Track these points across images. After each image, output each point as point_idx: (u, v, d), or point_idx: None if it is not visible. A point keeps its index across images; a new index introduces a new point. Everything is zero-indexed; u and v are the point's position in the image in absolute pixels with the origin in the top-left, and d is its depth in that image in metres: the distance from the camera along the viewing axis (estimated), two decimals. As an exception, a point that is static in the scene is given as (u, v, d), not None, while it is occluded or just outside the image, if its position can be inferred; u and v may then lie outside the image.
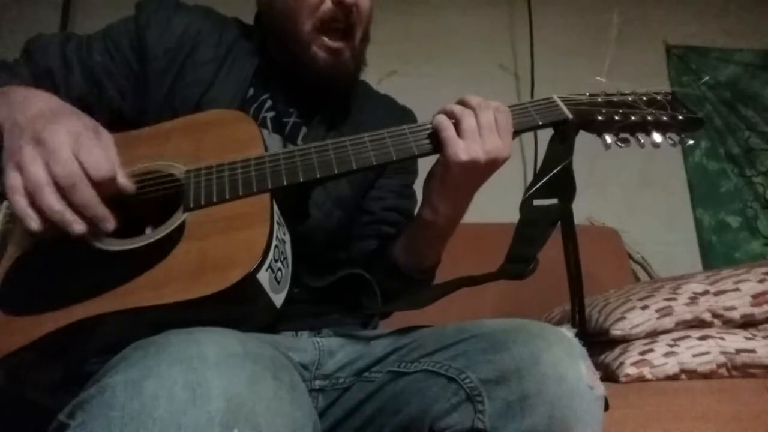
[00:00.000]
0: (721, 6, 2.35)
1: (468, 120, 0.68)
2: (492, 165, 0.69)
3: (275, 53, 0.85)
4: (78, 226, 0.57)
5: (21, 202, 0.56)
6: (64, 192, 0.56)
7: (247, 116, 0.75)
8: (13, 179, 0.56)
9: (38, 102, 0.63)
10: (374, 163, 0.69)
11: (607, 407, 0.57)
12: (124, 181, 0.61)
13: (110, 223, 0.59)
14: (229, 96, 0.80)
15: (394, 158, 0.69)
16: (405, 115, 0.99)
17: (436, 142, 0.70)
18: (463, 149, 0.67)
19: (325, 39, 0.80)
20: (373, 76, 1.01)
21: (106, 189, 0.59)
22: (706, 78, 2.18)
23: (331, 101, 0.86)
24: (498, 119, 0.69)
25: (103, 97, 0.79)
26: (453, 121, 0.69)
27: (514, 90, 2.16)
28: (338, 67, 0.82)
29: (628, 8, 2.28)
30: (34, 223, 0.56)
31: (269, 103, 0.83)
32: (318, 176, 0.67)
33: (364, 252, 0.88)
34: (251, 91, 0.83)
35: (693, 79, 2.24)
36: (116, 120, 0.81)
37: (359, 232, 0.90)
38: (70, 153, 0.57)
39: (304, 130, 0.84)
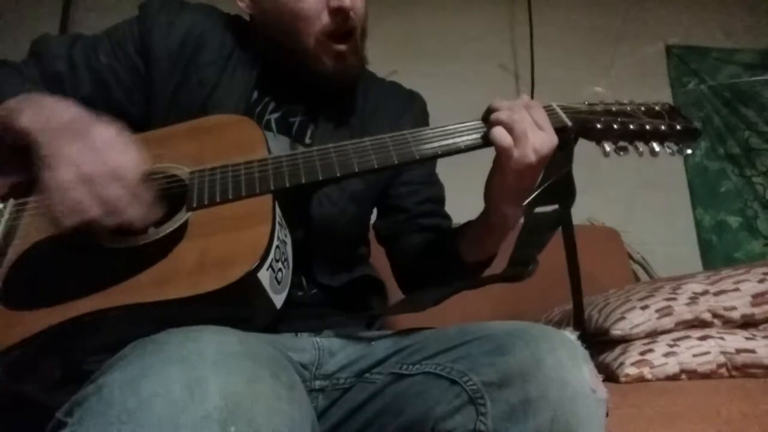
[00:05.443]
0: (721, 6, 2.35)
1: (519, 125, 0.68)
2: (545, 159, 0.69)
3: (275, 60, 0.84)
4: (133, 210, 0.59)
5: (83, 193, 0.57)
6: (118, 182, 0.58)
7: (250, 120, 0.75)
8: (68, 173, 0.57)
9: (67, 108, 0.64)
10: (375, 167, 0.69)
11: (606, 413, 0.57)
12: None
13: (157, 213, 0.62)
14: (235, 98, 0.80)
15: (396, 162, 0.69)
16: (413, 100, 0.98)
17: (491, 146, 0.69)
18: (518, 158, 0.67)
19: (331, 44, 0.80)
20: (373, 76, 1.01)
21: None
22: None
23: (335, 97, 0.86)
24: (533, 115, 0.69)
25: (111, 99, 0.79)
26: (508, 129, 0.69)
27: (514, 90, 2.16)
28: (346, 71, 0.82)
29: (628, 8, 2.28)
30: (95, 210, 0.57)
31: (273, 104, 0.83)
32: (320, 178, 0.67)
33: (410, 248, 0.89)
34: (255, 94, 0.83)
35: (693, 79, 2.24)
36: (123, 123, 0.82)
37: (399, 230, 0.91)
38: (121, 149, 0.60)
39: (311, 127, 0.84)
